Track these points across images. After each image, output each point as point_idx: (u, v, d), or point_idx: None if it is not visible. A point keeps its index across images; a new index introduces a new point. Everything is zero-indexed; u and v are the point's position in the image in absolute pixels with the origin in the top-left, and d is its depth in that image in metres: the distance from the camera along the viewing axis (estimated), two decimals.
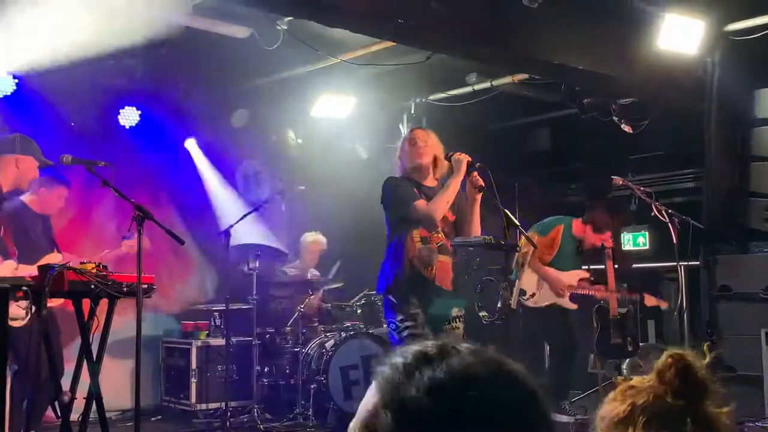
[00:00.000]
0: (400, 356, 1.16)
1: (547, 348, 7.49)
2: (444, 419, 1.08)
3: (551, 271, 6.87)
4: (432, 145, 4.99)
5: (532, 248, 6.25)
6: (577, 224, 7.14)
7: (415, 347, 1.16)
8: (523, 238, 5.13)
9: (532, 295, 6.94)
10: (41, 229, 5.96)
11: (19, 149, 5.32)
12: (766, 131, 7.03)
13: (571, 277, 7.10)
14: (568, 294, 7.05)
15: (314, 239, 8.25)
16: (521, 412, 1.11)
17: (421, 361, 1.14)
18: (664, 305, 7.24)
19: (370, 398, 1.14)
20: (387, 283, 4.88)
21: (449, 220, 4.97)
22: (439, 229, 4.90)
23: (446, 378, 1.10)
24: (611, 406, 1.43)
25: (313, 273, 8.00)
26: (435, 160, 4.98)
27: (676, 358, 1.41)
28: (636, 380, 1.45)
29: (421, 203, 4.82)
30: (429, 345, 1.15)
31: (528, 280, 6.88)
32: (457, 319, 4.97)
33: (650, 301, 7.24)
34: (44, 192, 6.15)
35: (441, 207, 4.81)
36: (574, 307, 7.11)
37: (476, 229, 4.93)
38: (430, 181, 5.01)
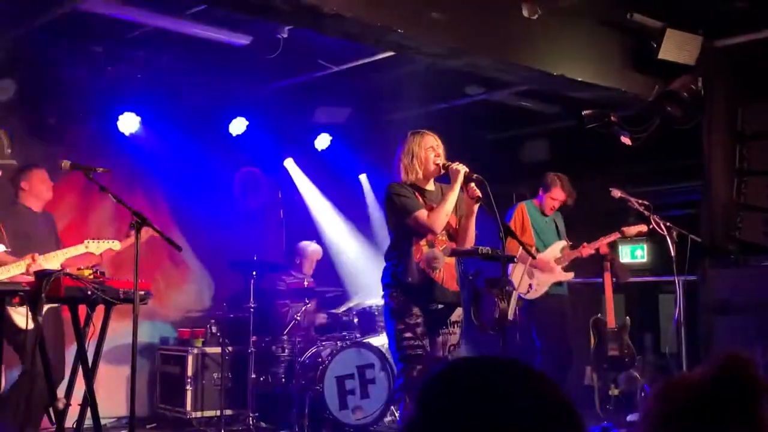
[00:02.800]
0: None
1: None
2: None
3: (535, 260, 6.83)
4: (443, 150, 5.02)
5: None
6: (537, 199, 7.24)
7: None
8: (520, 248, 5.13)
9: (530, 287, 6.94)
10: (45, 228, 5.93)
11: None
12: (763, 145, 7.04)
13: (554, 250, 7.11)
14: (559, 266, 7.06)
15: (315, 248, 8.26)
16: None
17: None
18: (643, 228, 7.15)
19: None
20: (390, 287, 4.87)
21: (452, 225, 4.99)
22: (444, 231, 4.93)
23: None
24: (656, 404, 1.38)
25: (309, 281, 7.99)
26: None
27: (729, 356, 1.37)
28: (682, 377, 1.40)
29: (422, 215, 4.82)
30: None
31: (517, 276, 6.87)
32: (456, 325, 4.99)
33: (631, 230, 7.18)
34: (25, 185, 6.18)
35: (441, 220, 4.83)
36: (570, 276, 7.09)
37: (471, 240, 4.94)
38: (430, 185, 5.03)
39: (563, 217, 7.43)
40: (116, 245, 5.74)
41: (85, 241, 5.63)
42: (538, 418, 1.15)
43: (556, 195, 7.12)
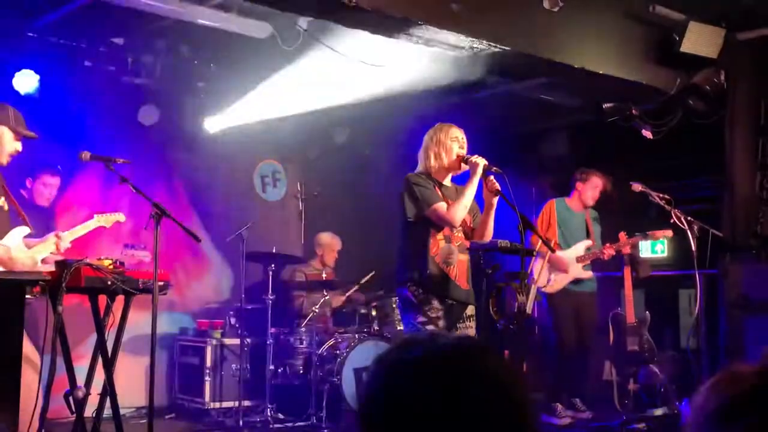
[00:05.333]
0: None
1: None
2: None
3: (552, 255, 6.84)
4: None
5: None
6: (570, 197, 7.30)
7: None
8: (539, 241, 5.13)
9: (548, 281, 6.96)
10: (39, 223, 5.97)
11: None
12: None
13: (577, 249, 7.14)
14: (580, 265, 7.06)
15: (333, 240, 8.27)
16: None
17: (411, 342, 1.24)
18: (669, 234, 7.16)
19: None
20: (408, 280, 4.86)
21: (467, 223, 4.97)
22: (460, 228, 4.92)
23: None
24: (709, 396, 1.32)
25: (328, 273, 8.00)
26: None
27: None
28: (735, 370, 1.34)
29: (442, 207, 4.81)
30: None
31: (537, 270, 6.89)
32: (471, 318, 5.00)
33: (656, 234, 7.19)
34: (29, 182, 6.37)
35: (460, 213, 4.82)
36: (588, 275, 7.10)
37: (489, 233, 4.93)
38: (447, 181, 5.01)
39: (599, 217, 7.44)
40: (122, 217, 5.96)
41: (95, 216, 5.83)
42: (482, 403, 1.17)
43: (596, 183, 7.24)
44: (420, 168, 5.01)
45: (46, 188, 6.55)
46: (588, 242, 7.22)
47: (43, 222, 6.04)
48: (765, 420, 1.24)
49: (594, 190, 7.26)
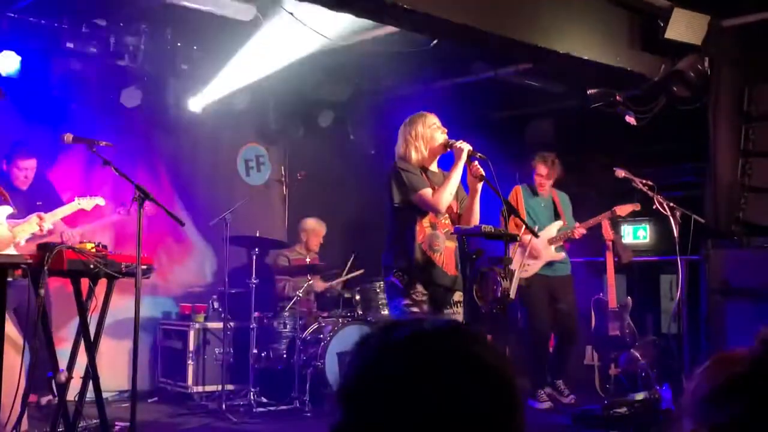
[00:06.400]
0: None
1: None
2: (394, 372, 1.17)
3: (523, 239, 6.83)
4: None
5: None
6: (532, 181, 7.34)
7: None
8: (523, 226, 5.14)
9: (521, 266, 6.97)
10: (19, 205, 5.94)
11: None
12: None
13: (549, 231, 7.17)
14: (552, 248, 7.09)
15: (317, 224, 8.26)
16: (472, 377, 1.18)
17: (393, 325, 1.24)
18: (637, 207, 7.19)
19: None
20: (395, 266, 4.86)
21: (453, 209, 4.98)
22: (446, 214, 4.93)
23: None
24: (704, 379, 1.33)
25: (312, 257, 8.00)
26: None
27: None
28: (727, 355, 1.35)
29: (428, 193, 4.81)
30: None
31: (515, 255, 6.90)
32: (458, 304, 5.00)
33: (623, 209, 7.21)
34: (4, 164, 6.34)
35: (446, 198, 4.82)
36: (560, 256, 7.14)
37: (475, 219, 4.94)
38: (433, 167, 5.01)
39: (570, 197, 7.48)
40: (102, 201, 6.20)
41: (76, 199, 6.03)
42: (472, 387, 1.17)
43: (540, 171, 7.27)
44: (399, 157, 5.00)
45: (21, 171, 6.49)
46: (559, 223, 7.25)
47: (23, 204, 6.00)
48: (756, 402, 1.25)
49: (540, 178, 7.28)
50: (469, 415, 1.15)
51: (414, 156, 4.94)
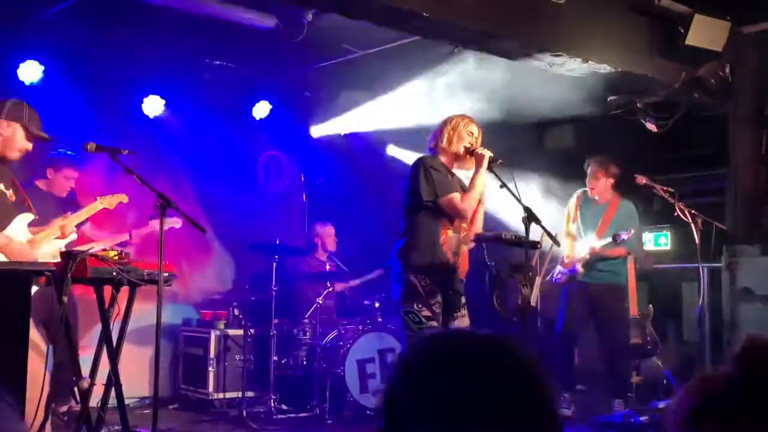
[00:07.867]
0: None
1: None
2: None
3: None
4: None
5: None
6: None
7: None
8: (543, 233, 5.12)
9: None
10: (53, 211, 5.98)
11: (6, 114, 4.74)
12: None
13: (583, 246, 7.01)
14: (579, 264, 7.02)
15: (325, 226, 8.26)
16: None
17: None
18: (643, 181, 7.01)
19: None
20: (415, 266, 4.85)
21: None
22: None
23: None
24: (683, 399, 1.31)
25: (331, 265, 8.01)
26: None
27: (758, 341, 1.27)
28: (711, 370, 1.33)
29: (457, 198, 4.83)
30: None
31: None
32: (465, 307, 5.04)
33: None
34: (51, 172, 6.35)
35: (473, 205, 4.86)
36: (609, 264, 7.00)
37: (480, 225, 5.06)
38: (455, 169, 5.06)
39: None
40: (124, 198, 6.07)
41: (98, 198, 5.92)
42: (509, 394, 1.18)
43: (592, 170, 7.10)
44: (432, 146, 5.05)
45: (67, 181, 6.49)
46: (592, 242, 7.00)
47: (58, 211, 6.05)
48: (728, 423, 1.25)
49: (590, 177, 7.15)
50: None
51: (444, 144, 5.01)
